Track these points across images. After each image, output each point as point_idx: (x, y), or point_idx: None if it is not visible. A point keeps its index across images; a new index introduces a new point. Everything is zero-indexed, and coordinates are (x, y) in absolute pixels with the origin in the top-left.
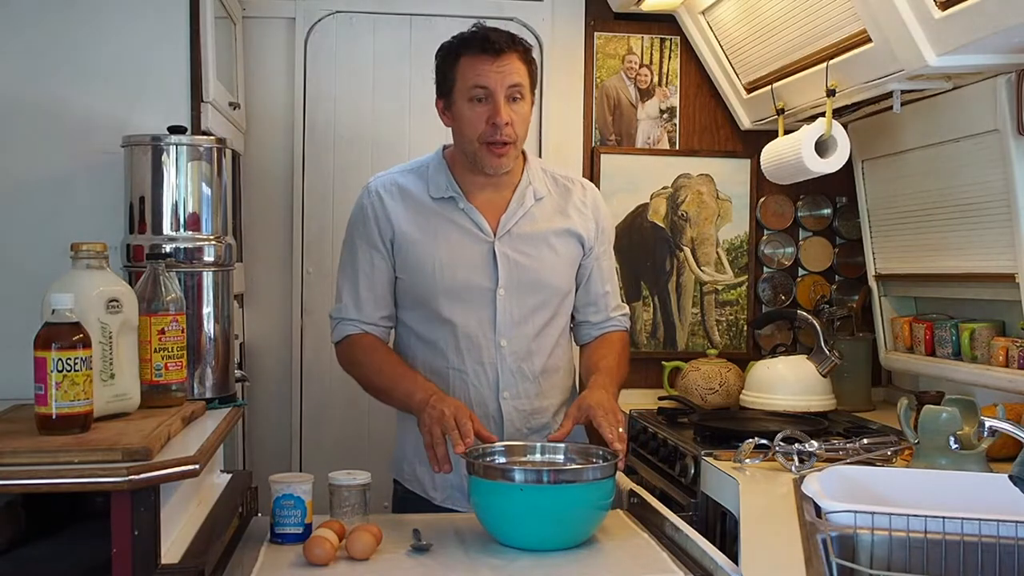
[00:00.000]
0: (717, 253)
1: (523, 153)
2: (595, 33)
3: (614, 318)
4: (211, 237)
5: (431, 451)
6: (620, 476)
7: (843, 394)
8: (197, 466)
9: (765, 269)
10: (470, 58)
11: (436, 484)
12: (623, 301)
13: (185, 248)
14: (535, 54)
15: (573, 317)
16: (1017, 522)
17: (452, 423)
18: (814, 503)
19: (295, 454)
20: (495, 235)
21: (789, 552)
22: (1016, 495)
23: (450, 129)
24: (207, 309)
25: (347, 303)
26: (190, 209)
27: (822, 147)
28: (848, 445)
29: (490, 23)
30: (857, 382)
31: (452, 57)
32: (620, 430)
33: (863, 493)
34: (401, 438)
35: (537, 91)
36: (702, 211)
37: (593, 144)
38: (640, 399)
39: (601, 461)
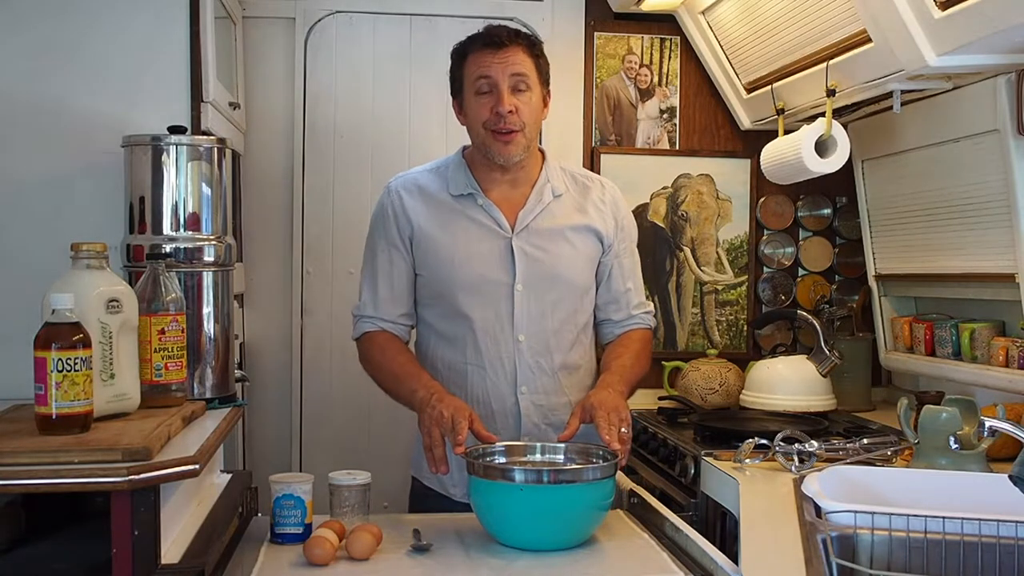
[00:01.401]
0: (717, 253)
1: (541, 152)
2: (595, 33)
3: (636, 316)
4: (211, 237)
5: (429, 452)
6: (620, 476)
7: (843, 394)
8: (197, 466)
9: (765, 269)
10: (475, 53)
11: (455, 480)
12: (647, 299)
13: (185, 248)
14: None
15: (596, 317)
16: (1017, 522)
17: (450, 425)
18: (814, 503)
19: (295, 454)
20: (513, 231)
21: (789, 552)
22: (1016, 495)
23: (459, 130)
24: (207, 309)
25: (366, 300)
26: (190, 209)
27: (822, 147)
28: (848, 445)
29: (490, 23)
30: (857, 382)
31: (460, 57)
32: (623, 430)
33: (863, 493)
34: (418, 437)
35: (550, 83)
36: (702, 211)
37: (593, 144)
38: (640, 399)
39: (601, 461)
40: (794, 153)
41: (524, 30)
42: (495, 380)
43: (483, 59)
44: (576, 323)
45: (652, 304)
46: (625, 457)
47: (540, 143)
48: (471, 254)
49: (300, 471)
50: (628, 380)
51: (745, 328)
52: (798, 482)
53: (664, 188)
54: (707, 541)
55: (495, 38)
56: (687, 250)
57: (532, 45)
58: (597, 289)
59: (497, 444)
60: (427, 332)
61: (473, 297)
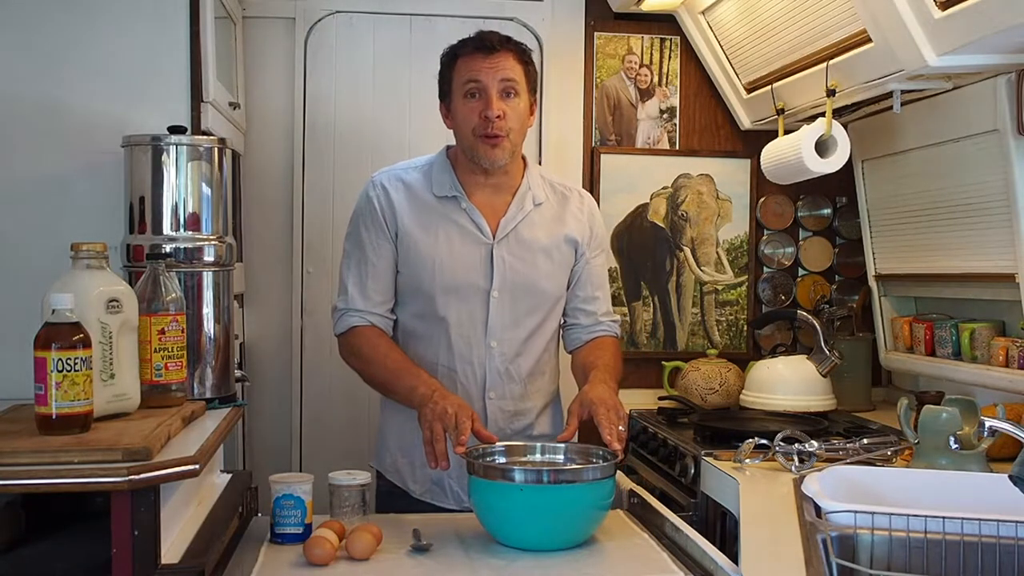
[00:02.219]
0: (717, 253)
1: (523, 159)
2: (595, 33)
3: (604, 323)
4: (211, 237)
5: (430, 447)
6: (620, 476)
7: (843, 394)
8: (197, 466)
9: (765, 269)
10: (465, 57)
11: (416, 477)
12: (614, 309)
13: (185, 248)
14: (535, 55)
15: (563, 321)
16: (1017, 522)
17: (454, 422)
18: (814, 503)
19: (295, 454)
20: (494, 237)
21: (789, 552)
22: (1016, 495)
23: (451, 131)
24: (207, 309)
25: (353, 294)
26: (190, 209)
27: (822, 147)
28: (848, 445)
29: (490, 23)
30: (857, 382)
31: (450, 60)
32: (620, 428)
33: (863, 493)
34: (383, 429)
35: (537, 92)
36: (702, 211)
37: (593, 144)
38: (640, 399)
39: (601, 461)
40: (794, 153)
41: (514, 37)
42: (465, 384)
43: (473, 63)
44: (545, 331)
45: (619, 315)
46: (624, 456)
47: (540, 144)
48: (452, 257)
49: (300, 471)
50: (615, 378)
51: (745, 328)
52: (798, 482)
53: (664, 188)
54: (707, 541)
55: (486, 43)
56: (687, 250)
57: (522, 52)
58: (567, 294)
59: (497, 444)
60: (398, 330)
61: (451, 300)
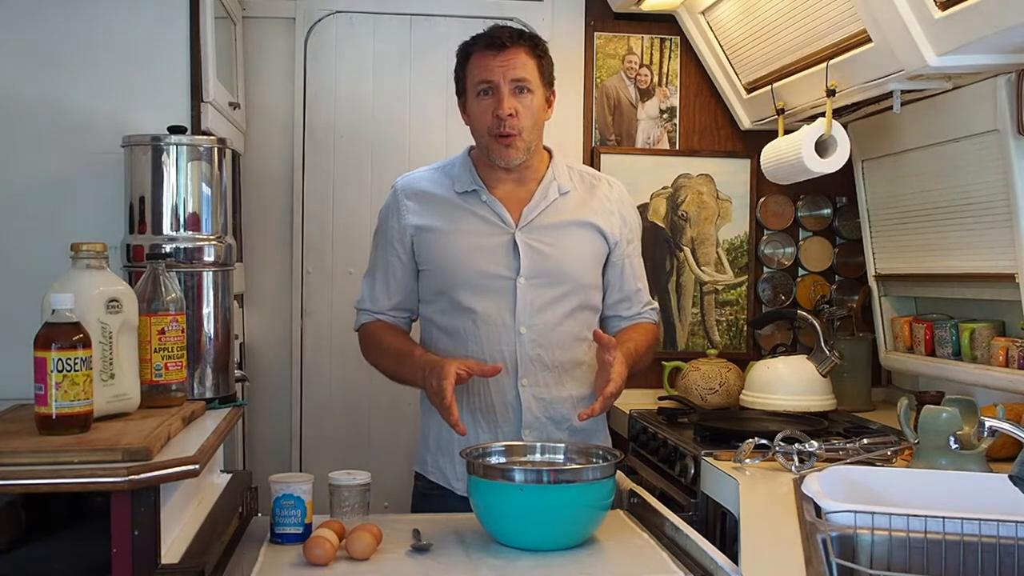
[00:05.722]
0: (717, 253)
1: (548, 150)
2: (595, 33)
3: (644, 312)
4: (211, 237)
5: (450, 424)
6: (620, 476)
7: (843, 394)
8: (197, 466)
9: (765, 269)
10: (478, 55)
11: (458, 475)
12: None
13: (185, 248)
14: None
15: (603, 312)
16: (1017, 522)
17: (443, 393)
18: (814, 503)
19: (295, 454)
20: (517, 226)
21: (789, 552)
22: (1016, 495)
23: (459, 130)
24: (207, 309)
25: (364, 295)
26: (190, 209)
27: (822, 147)
28: (848, 445)
29: (490, 23)
30: (857, 382)
31: (463, 57)
32: (608, 390)
33: (863, 493)
34: (424, 432)
35: (554, 83)
36: (702, 211)
37: (593, 144)
38: (640, 399)
39: (601, 461)
40: (794, 153)
41: (528, 30)
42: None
43: (485, 61)
44: (579, 319)
45: (656, 302)
46: (603, 402)
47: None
48: (474, 249)
49: (300, 471)
50: (632, 359)
51: (745, 328)
52: (798, 482)
53: (664, 188)
54: (707, 541)
55: (497, 40)
56: (687, 250)
57: (535, 46)
58: (608, 289)
59: (497, 444)
60: (428, 327)
61: (475, 291)
